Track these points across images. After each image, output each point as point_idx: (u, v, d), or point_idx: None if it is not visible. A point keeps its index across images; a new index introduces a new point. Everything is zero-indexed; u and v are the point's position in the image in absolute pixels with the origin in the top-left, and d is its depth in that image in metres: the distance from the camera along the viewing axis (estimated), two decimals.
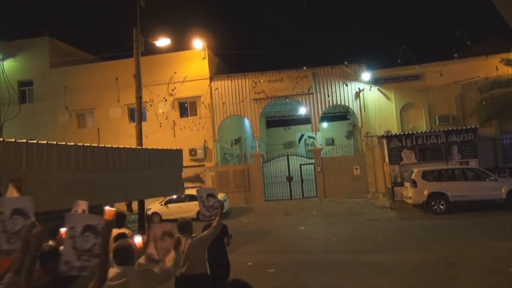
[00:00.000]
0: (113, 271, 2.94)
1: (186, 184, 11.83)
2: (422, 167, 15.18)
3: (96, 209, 5.16)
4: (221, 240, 5.32)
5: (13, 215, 2.99)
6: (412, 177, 14.32)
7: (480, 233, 10.46)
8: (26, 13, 52.58)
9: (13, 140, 4.95)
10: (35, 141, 5.25)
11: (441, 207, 13.81)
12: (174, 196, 14.96)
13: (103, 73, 21.23)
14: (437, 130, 17.03)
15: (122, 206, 12.83)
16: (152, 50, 16.84)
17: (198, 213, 5.06)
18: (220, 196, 16.64)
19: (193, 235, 4.68)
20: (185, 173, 11.88)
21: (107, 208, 3.34)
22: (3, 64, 21.69)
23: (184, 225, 4.57)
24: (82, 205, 3.70)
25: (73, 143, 5.90)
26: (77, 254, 2.70)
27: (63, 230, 3.24)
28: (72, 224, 2.77)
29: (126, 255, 3.05)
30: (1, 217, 2.98)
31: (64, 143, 5.78)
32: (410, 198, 14.37)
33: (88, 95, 21.18)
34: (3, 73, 21.31)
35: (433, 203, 13.90)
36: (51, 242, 3.39)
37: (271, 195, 19.98)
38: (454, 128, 16.76)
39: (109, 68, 21.18)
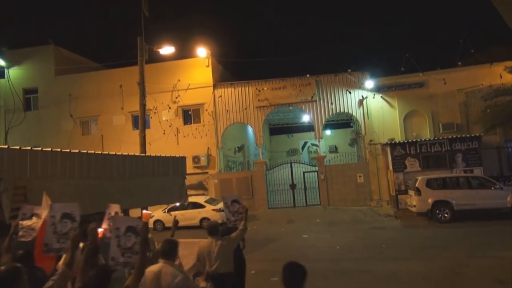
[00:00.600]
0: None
1: (189, 192, 11.84)
2: (426, 175, 15.10)
3: (99, 216, 5.17)
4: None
5: (62, 219, 3.51)
6: (416, 185, 14.24)
7: (485, 242, 10.35)
8: (32, 21, 53.21)
9: (18, 147, 4.99)
10: (40, 149, 5.28)
11: (446, 215, 13.70)
12: (177, 204, 14.97)
13: (108, 81, 21.38)
14: (441, 138, 16.97)
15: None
16: (156, 58, 16.97)
17: (224, 220, 5.64)
18: (222, 204, 16.60)
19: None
20: (188, 181, 11.88)
21: (144, 211, 3.96)
22: (8, 72, 21.89)
23: (213, 228, 4.92)
24: (114, 208, 4.18)
25: (77, 151, 5.93)
26: (121, 251, 3.12)
27: (100, 230, 3.82)
28: (117, 225, 3.20)
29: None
30: (52, 220, 3.49)
31: (68, 150, 5.81)
32: (414, 206, 14.27)
33: (93, 102, 21.31)
34: (8, 81, 21.50)
35: (437, 211, 13.79)
36: (81, 244, 3.73)
37: (274, 203, 19.91)
38: (458, 136, 16.69)
39: (114, 75, 21.32)
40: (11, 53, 22.37)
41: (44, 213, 3.92)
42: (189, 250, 4.93)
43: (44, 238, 3.48)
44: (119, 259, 3.12)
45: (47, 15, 55.28)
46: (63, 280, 2.83)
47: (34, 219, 3.97)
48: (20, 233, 3.82)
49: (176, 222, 5.15)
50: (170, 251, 3.60)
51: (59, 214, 3.55)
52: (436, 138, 17.02)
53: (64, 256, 3.05)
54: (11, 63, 22.14)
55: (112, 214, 4.08)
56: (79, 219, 3.60)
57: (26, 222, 3.91)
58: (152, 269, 3.39)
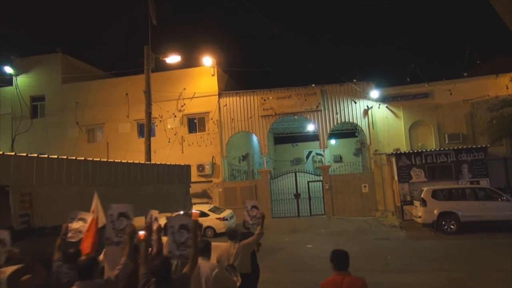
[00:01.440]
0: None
1: (193, 200, 11.81)
2: (432, 185, 14.99)
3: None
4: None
5: (119, 217, 4.17)
6: (422, 196, 14.13)
7: (492, 255, 10.22)
8: (40, 30, 53.97)
9: (24, 154, 5.02)
10: (46, 156, 5.31)
11: (452, 227, 13.56)
12: (181, 212, 14.95)
13: (114, 89, 21.55)
14: (446, 148, 16.86)
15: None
16: (162, 67, 17.10)
17: (243, 221, 6.30)
18: (227, 212, 16.56)
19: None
20: (193, 189, 11.87)
21: (193, 211, 4.51)
22: (16, 80, 22.14)
23: (232, 233, 5.39)
24: (154, 213, 4.71)
25: (82, 158, 5.96)
26: (177, 245, 3.73)
27: (141, 233, 4.52)
28: (171, 224, 3.82)
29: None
30: (111, 218, 4.18)
31: (74, 157, 5.84)
32: (420, 217, 14.15)
33: (99, 110, 21.47)
34: (16, 88, 21.74)
35: (443, 222, 13.66)
36: None
37: (279, 212, 19.83)
38: (464, 147, 16.58)
39: (120, 84, 21.51)
40: (19, 61, 22.66)
41: (89, 218, 4.61)
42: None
43: (106, 233, 4.18)
44: (175, 252, 3.74)
45: (55, 23, 56.08)
46: (126, 268, 3.47)
47: (81, 223, 4.57)
48: (69, 234, 4.42)
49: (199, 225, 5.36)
50: (205, 249, 4.17)
51: (116, 213, 4.22)
52: (441, 149, 16.92)
53: (124, 248, 3.75)
54: (19, 71, 22.42)
55: (153, 217, 4.65)
56: (133, 217, 4.25)
57: (74, 225, 4.51)
58: None
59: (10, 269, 3.35)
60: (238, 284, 4.23)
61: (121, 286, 3.42)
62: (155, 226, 4.41)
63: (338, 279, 3.67)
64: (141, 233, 4.45)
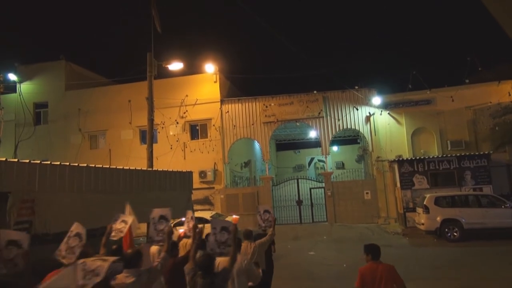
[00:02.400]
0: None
1: (195, 207, 11.79)
2: (434, 192, 14.93)
3: (103, 230, 5.18)
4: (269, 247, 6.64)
5: (159, 219, 4.93)
6: (425, 202, 14.06)
7: (496, 263, 10.14)
8: (44, 38, 54.41)
9: (27, 161, 5.04)
10: (49, 162, 5.33)
11: (455, 234, 13.47)
12: (183, 219, 14.93)
13: (116, 96, 21.65)
14: (449, 155, 16.82)
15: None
16: (164, 74, 17.20)
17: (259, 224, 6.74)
18: (229, 219, 16.52)
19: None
20: (195, 195, 11.86)
21: (234, 216, 5.18)
22: (20, 87, 22.29)
23: (248, 233, 5.93)
24: (189, 214, 5.55)
25: (85, 165, 5.98)
26: (218, 244, 4.20)
27: (181, 231, 5.41)
28: (214, 226, 4.35)
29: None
30: (153, 221, 4.92)
31: (76, 164, 5.86)
32: (423, 224, 14.07)
33: (101, 117, 21.56)
34: (20, 95, 21.87)
35: (446, 230, 13.58)
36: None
37: (281, 219, 19.74)
38: (467, 154, 16.52)
39: (122, 91, 21.61)
40: (23, 69, 22.83)
41: (130, 219, 5.14)
42: None
43: (149, 233, 4.99)
44: (216, 250, 4.20)
45: (59, 31, 56.56)
46: (165, 261, 4.04)
47: (123, 224, 5.08)
48: (113, 234, 4.90)
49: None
50: (238, 245, 4.75)
51: (157, 216, 4.96)
52: (444, 156, 16.87)
53: (163, 245, 4.39)
54: (23, 78, 22.57)
55: (189, 218, 5.45)
56: (170, 219, 5.00)
57: (117, 226, 5.00)
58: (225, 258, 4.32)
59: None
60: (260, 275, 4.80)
61: (160, 276, 4.20)
62: (191, 224, 5.03)
63: (374, 266, 4.52)
64: (181, 231, 5.32)
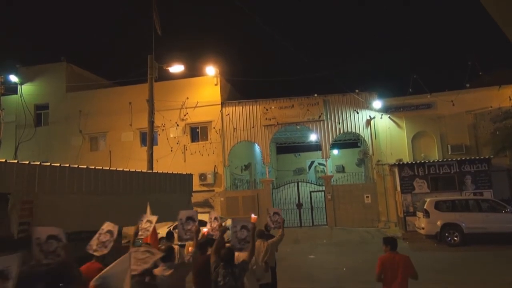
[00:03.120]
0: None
1: (195, 209, 11.77)
2: (435, 196, 14.89)
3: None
4: None
5: (187, 220, 5.52)
6: (425, 207, 14.03)
7: (496, 268, 10.10)
8: (45, 39, 54.55)
9: (27, 162, 5.03)
10: (49, 164, 5.32)
11: (455, 238, 13.43)
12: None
13: (117, 98, 21.66)
14: (449, 159, 16.79)
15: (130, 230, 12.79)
16: (165, 76, 17.20)
17: (265, 225, 7.27)
18: (229, 222, 16.46)
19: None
20: (194, 198, 11.84)
21: (253, 216, 5.44)
22: (21, 88, 22.31)
23: (261, 233, 6.29)
24: (213, 214, 6.12)
25: (85, 166, 5.97)
26: (238, 241, 4.75)
27: (205, 230, 5.67)
28: (235, 224, 4.88)
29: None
30: (180, 222, 5.50)
31: (76, 166, 5.85)
32: (423, 228, 14.03)
33: (102, 118, 21.56)
34: (21, 97, 21.89)
35: (446, 234, 13.53)
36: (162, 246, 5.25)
37: None
38: (467, 158, 16.50)
39: (123, 93, 21.62)
40: (24, 70, 22.85)
41: (154, 219, 5.75)
42: None
43: (178, 232, 5.51)
44: (237, 246, 4.71)
45: (60, 33, 56.70)
46: (195, 255, 4.64)
47: (148, 223, 5.66)
48: (140, 233, 5.39)
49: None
50: (262, 234, 5.96)
51: (184, 217, 5.53)
52: (444, 160, 16.85)
53: (192, 242, 5.06)
54: (24, 79, 22.60)
55: (213, 218, 5.97)
56: (197, 219, 5.55)
57: (143, 225, 5.56)
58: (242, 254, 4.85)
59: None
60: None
61: (190, 269, 4.76)
62: (215, 224, 5.73)
63: (392, 256, 5.16)
64: (204, 230, 5.68)
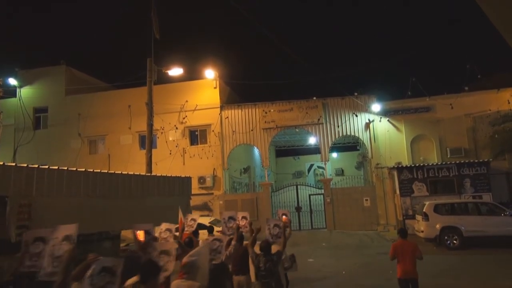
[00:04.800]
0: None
1: (194, 212, 11.74)
2: (434, 200, 14.88)
3: (106, 234, 5.09)
4: None
5: (229, 219, 6.65)
6: (424, 210, 14.01)
7: (495, 271, 10.08)
8: (44, 42, 54.60)
9: (25, 165, 5.02)
10: (47, 166, 5.31)
11: (455, 242, 13.40)
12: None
13: (116, 101, 21.66)
14: (448, 162, 16.80)
15: (128, 234, 12.74)
16: (164, 79, 17.22)
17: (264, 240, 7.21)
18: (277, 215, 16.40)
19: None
20: (193, 201, 11.82)
21: (284, 217, 6.78)
22: (20, 92, 22.29)
23: (265, 245, 6.42)
24: (242, 214, 6.93)
25: (83, 169, 5.95)
26: (271, 236, 5.93)
27: (243, 223, 6.79)
28: (268, 223, 6.12)
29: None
30: (223, 220, 6.67)
31: (74, 169, 5.84)
32: (422, 231, 14.01)
33: (101, 122, 21.55)
34: (20, 100, 21.86)
35: (446, 237, 13.51)
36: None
37: None
38: (466, 161, 16.51)
39: (122, 96, 21.62)
40: (24, 73, 22.83)
41: (197, 216, 7.09)
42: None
43: (222, 229, 6.65)
44: (270, 240, 5.81)
45: (59, 36, 56.77)
46: (235, 248, 5.77)
47: (192, 221, 6.97)
48: (186, 229, 6.26)
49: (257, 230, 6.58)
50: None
51: (227, 216, 6.67)
52: (443, 163, 16.86)
53: (233, 237, 6.09)
54: (23, 82, 22.58)
55: (241, 217, 6.84)
56: (238, 217, 6.76)
57: (188, 223, 6.77)
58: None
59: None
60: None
61: (230, 259, 5.67)
62: (243, 222, 6.71)
63: (403, 242, 6.77)
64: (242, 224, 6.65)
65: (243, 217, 6.90)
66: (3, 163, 4.82)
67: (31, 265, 3.68)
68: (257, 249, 5.62)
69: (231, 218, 6.62)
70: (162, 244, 4.61)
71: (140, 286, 3.21)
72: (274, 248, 5.62)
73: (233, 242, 5.83)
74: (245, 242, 6.32)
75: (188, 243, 5.67)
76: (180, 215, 6.79)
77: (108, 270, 2.97)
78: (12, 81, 21.98)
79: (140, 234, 4.79)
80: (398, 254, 6.70)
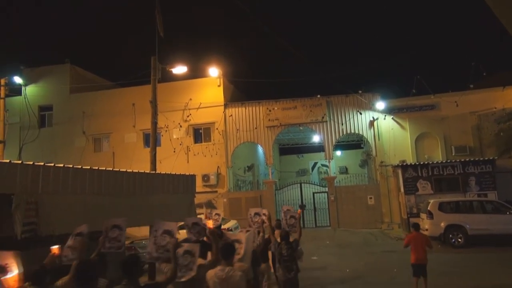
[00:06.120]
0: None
1: (198, 211, 11.76)
2: (438, 198, 14.83)
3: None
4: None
5: (255, 215, 7.15)
6: (428, 208, 13.97)
7: (501, 269, 10.04)
8: (49, 41, 54.81)
9: (31, 163, 5.05)
10: (52, 164, 5.33)
11: (459, 240, 13.36)
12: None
13: (121, 99, 21.73)
14: (453, 160, 16.72)
15: (134, 231, 12.77)
16: (168, 77, 17.22)
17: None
18: (232, 223, 16.46)
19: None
20: (197, 199, 11.80)
21: (299, 210, 7.58)
22: (25, 90, 22.40)
23: (285, 234, 6.87)
24: (257, 210, 7.40)
25: (88, 167, 5.98)
26: (288, 226, 6.94)
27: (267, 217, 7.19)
28: (285, 215, 7.14)
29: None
30: (250, 216, 7.21)
31: (80, 166, 5.86)
32: (427, 230, 13.94)
33: (105, 120, 21.64)
34: (25, 98, 21.96)
35: (450, 235, 13.46)
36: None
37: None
38: (471, 159, 16.42)
39: (126, 94, 21.68)
40: (29, 72, 22.96)
41: (221, 211, 8.10)
42: None
43: (248, 222, 7.23)
44: (286, 229, 6.80)
45: (64, 34, 56.97)
46: (262, 240, 6.79)
47: (217, 216, 7.70)
48: (214, 223, 6.50)
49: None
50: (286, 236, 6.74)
51: (253, 213, 7.26)
52: (448, 161, 16.78)
53: (267, 229, 6.95)
54: (28, 81, 22.69)
55: (262, 212, 7.29)
56: (262, 214, 7.16)
57: (214, 217, 7.37)
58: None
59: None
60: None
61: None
62: (265, 218, 7.11)
63: (417, 234, 8.11)
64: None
65: (263, 214, 7.65)
66: (10, 161, 4.85)
67: (110, 247, 4.61)
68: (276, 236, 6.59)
69: (257, 213, 7.27)
70: (233, 234, 5.70)
71: (222, 262, 4.24)
72: (291, 238, 6.49)
73: (261, 234, 6.85)
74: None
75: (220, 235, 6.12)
76: (205, 210, 7.64)
77: (189, 253, 4.19)
78: (17, 80, 22.03)
79: (210, 223, 5.48)
80: (412, 244, 7.92)
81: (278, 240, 6.48)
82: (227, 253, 4.27)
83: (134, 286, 3.35)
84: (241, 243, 4.91)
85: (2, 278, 2.93)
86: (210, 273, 4.19)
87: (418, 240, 7.93)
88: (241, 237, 5.02)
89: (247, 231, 6.05)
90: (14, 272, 2.99)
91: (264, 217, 7.30)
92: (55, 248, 4.22)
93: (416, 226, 8.26)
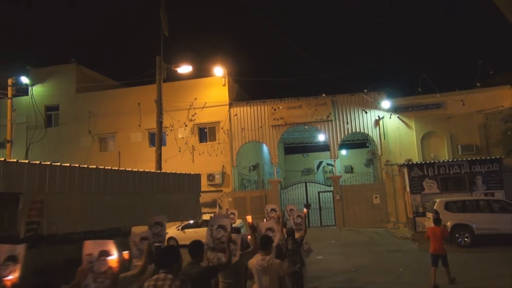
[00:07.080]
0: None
1: (203, 209, 11.79)
2: (445, 197, 14.73)
3: (117, 231, 5.12)
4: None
5: (271, 210, 7.87)
6: (435, 207, 13.86)
7: (507, 269, 9.93)
8: (56, 41, 55.17)
9: (38, 162, 5.09)
10: (59, 164, 5.37)
11: (466, 239, 13.27)
12: (191, 221, 14.93)
13: (126, 99, 21.82)
14: (460, 159, 16.59)
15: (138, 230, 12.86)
16: (173, 77, 17.27)
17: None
18: (237, 222, 16.47)
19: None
20: (203, 198, 11.83)
21: (305, 210, 8.06)
22: (32, 90, 22.57)
23: (292, 232, 7.25)
24: (273, 206, 8.13)
25: (94, 166, 6.01)
26: (295, 225, 7.37)
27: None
28: (292, 214, 7.60)
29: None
30: (267, 213, 7.94)
31: (86, 166, 5.90)
32: None
33: (111, 119, 21.75)
34: (31, 98, 22.13)
35: (457, 235, 13.37)
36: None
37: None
38: (478, 158, 16.28)
39: (132, 93, 21.77)
40: (35, 72, 23.12)
41: (236, 211, 8.77)
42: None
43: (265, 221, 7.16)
44: (294, 227, 7.26)
45: (70, 34, 57.32)
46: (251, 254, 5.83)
47: (232, 215, 8.44)
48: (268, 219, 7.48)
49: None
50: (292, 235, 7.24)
51: (269, 208, 8.04)
52: (455, 160, 16.66)
53: (278, 226, 6.20)
54: (35, 81, 22.86)
55: (269, 209, 8.03)
56: (279, 211, 7.85)
57: (269, 214, 7.90)
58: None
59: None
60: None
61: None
62: (273, 214, 7.76)
63: (435, 228, 8.98)
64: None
65: (272, 210, 8.21)
66: (17, 160, 4.89)
67: (154, 241, 5.00)
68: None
69: (273, 209, 7.85)
70: (266, 224, 5.76)
71: (261, 252, 4.66)
72: (296, 235, 7.00)
73: (283, 229, 7.08)
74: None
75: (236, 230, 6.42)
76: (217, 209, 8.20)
77: (222, 227, 4.71)
78: (24, 80, 22.17)
79: (249, 218, 5.64)
80: (431, 236, 8.87)
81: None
82: (266, 244, 4.77)
83: (198, 266, 3.97)
84: (274, 231, 5.32)
85: (108, 258, 3.42)
86: (252, 262, 4.69)
87: (436, 232, 8.78)
88: (273, 226, 5.45)
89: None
90: (115, 255, 3.44)
91: (279, 213, 7.86)
92: (125, 253, 4.47)
93: (437, 221, 9.10)
